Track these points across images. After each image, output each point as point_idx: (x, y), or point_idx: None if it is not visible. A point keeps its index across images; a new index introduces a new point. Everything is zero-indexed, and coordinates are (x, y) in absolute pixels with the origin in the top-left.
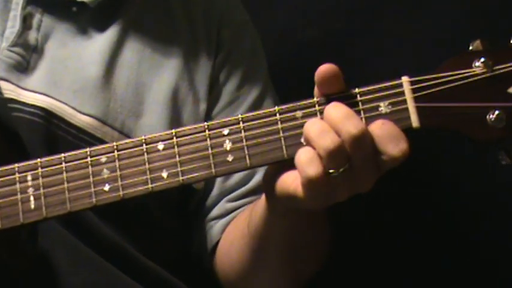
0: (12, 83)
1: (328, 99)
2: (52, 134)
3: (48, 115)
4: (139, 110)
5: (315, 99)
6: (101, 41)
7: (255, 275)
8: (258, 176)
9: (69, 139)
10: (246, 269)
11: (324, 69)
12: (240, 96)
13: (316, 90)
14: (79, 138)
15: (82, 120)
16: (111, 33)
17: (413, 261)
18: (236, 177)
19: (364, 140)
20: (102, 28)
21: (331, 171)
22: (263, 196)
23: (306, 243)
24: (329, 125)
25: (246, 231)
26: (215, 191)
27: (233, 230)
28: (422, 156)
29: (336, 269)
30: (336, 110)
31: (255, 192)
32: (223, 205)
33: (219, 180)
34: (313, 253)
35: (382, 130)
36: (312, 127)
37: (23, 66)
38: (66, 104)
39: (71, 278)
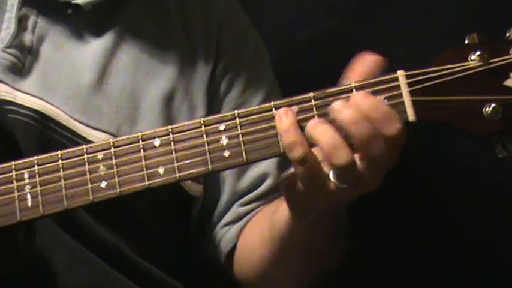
0: (8, 85)
1: (325, 94)
2: (47, 136)
3: (43, 118)
4: (134, 115)
5: (311, 94)
6: (96, 46)
7: (277, 276)
8: (269, 180)
9: (63, 142)
10: (268, 271)
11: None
12: (246, 101)
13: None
14: (74, 141)
15: (75, 126)
16: (106, 39)
17: (413, 262)
18: (247, 181)
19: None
20: (97, 32)
21: (340, 185)
22: (285, 203)
23: (326, 246)
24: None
25: (268, 235)
26: (225, 197)
27: (252, 234)
28: (420, 154)
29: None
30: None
31: (266, 195)
32: (235, 210)
33: (229, 186)
34: (330, 255)
35: (374, 112)
36: (324, 139)
37: (18, 68)
38: (59, 108)
39: (68, 278)
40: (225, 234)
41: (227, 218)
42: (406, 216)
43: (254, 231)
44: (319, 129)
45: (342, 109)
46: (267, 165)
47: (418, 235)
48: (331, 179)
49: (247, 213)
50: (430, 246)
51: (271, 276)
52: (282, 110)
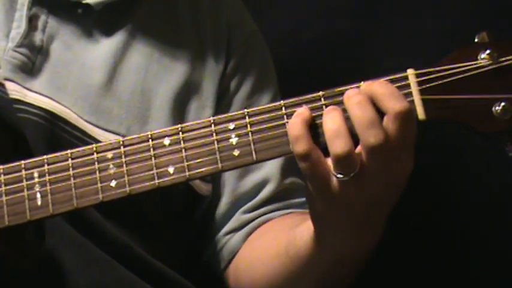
0: (18, 84)
1: (335, 93)
2: (57, 136)
3: (53, 118)
4: (145, 116)
5: (320, 93)
6: (107, 46)
7: None
8: (270, 186)
9: (73, 142)
10: (271, 286)
11: None
12: (251, 104)
13: None
14: (84, 141)
15: (85, 126)
16: (117, 38)
17: (413, 262)
18: (248, 185)
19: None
20: (108, 32)
21: (339, 176)
22: (310, 223)
23: (345, 275)
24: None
25: (283, 251)
26: (226, 199)
27: (261, 245)
28: (424, 153)
29: None
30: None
31: (269, 201)
32: (239, 217)
33: (229, 188)
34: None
35: (382, 88)
36: (328, 125)
37: (29, 67)
38: (69, 108)
39: (79, 277)
40: (227, 242)
41: (230, 225)
42: (408, 216)
43: (264, 242)
44: (329, 115)
45: (352, 94)
46: (269, 170)
47: (419, 235)
48: (332, 170)
49: (251, 220)
50: (431, 247)
51: None
52: (301, 108)
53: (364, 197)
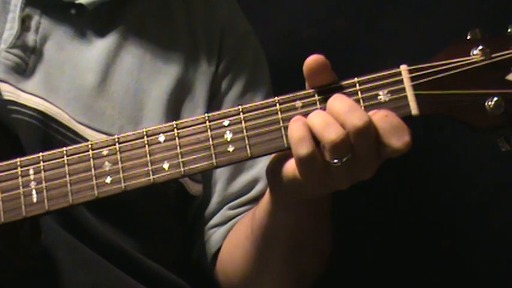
0: (11, 85)
1: (328, 89)
2: (50, 137)
3: (46, 119)
4: (138, 116)
5: (313, 89)
6: (100, 47)
7: (259, 276)
8: (260, 185)
9: (66, 143)
10: (250, 271)
11: (311, 61)
12: (242, 105)
13: (307, 84)
14: (76, 142)
15: (78, 127)
16: (110, 39)
17: (415, 261)
18: (238, 185)
19: (368, 132)
20: (101, 33)
21: (335, 161)
22: (267, 192)
23: (310, 241)
24: (333, 117)
25: (250, 231)
26: (216, 199)
27: (236, 234)
28: (424, 154)
29: (337, 269)
30: (340, 102)
31: (256, 200)
32: (224, 212)
33: (219, 188)
34: (316, 252)
35: (385, 123)
36: (316, 119)
37: (22, 68)
38: (62, 109)
39: (72, 278)
40: (211, 236)
41: (215, 220)
42: (408, 218)
43: (238, 231)
44: (312, 114)
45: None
46: (259, 170)
47: (420, 237)
48: (327, 159)
49: (234, 216)
50: (426, 247)
51: (254, 278)
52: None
53: (352, 176)
